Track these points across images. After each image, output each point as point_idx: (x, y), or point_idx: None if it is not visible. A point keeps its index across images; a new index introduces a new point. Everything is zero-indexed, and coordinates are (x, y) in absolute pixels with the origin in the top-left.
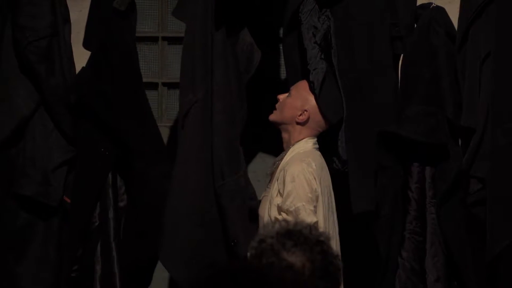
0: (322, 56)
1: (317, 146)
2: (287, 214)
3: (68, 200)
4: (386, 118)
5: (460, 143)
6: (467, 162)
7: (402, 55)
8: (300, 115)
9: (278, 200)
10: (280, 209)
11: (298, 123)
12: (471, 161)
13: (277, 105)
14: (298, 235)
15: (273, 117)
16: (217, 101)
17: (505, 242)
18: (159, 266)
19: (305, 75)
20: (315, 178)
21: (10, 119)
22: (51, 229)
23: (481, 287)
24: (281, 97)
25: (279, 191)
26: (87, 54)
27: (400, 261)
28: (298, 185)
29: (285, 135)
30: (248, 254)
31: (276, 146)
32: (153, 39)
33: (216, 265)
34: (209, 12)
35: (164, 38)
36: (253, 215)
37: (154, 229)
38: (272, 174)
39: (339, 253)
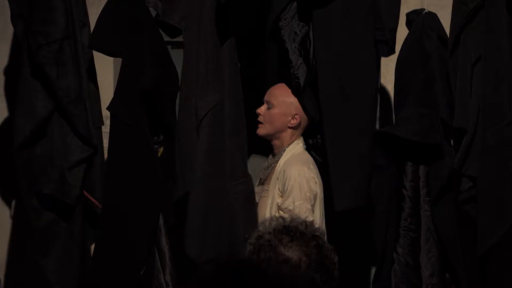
0: (302, 61)
1: (305, 146)
2: (285, 212)
3: (92, 198)
4: (367, 118)
5: (452, 143)
6: (459, 161)
7: (397, 58)
8: (292, 119)
9: (279, 200)
10: (279, 208)
11: (290, 128)
12: (462, 161)
13: (261, 119)
14: (295, 230)
15: (263, 131)
16: (230, 103)
17: (494, 238)
18: None
19: (283, 80)
20: (313, 178)
21: (29, 120)
22: (74, 226)
23: (472, 280)
24: (262, 111)
25: (279, 190)
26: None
27: (395, 256)
28: (297, 185)
29: (276, 142)
30: (247, 249)
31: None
32: None
33: (216, 260)
34: (218, 18)
35: (168, 43)
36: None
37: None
38: (268, 177)
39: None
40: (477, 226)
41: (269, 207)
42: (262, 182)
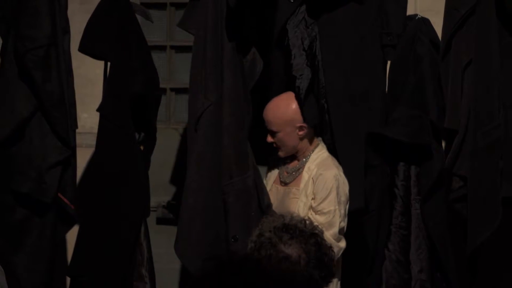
0: (308, 64)
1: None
2: (320, 215)
3: (68, 202)
4: (375, 121)
5: (443, 144)
6: (450, 161)
7: (390, 62)
8: (299, 131)
9: (313, 202)
10: (313, 210)
11: (302, 138)
12: (453, 161)
13: (276, 145)
14: (294, 228)
15: (283, 153)
16: (227, 104)
17: (484, 236)
18: (169, 257)
19: (289, 85)
20: (346, 182)
21: (9, 121)
22: (46, 224)
23: (462, 277)
24: (271, 140)
25: (312, 192)
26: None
27: (386, 253)
28: (335, 189)
29: (299, 152)
30: (248, 247)
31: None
32: (162, 48)
33: (217, 257)
34: (219, 23)
35: (172, 47)
36: (257, 215)
37: None
38: (294, 180)
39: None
40: (467, 224)
41: (299, 208)
42: (285, 184)
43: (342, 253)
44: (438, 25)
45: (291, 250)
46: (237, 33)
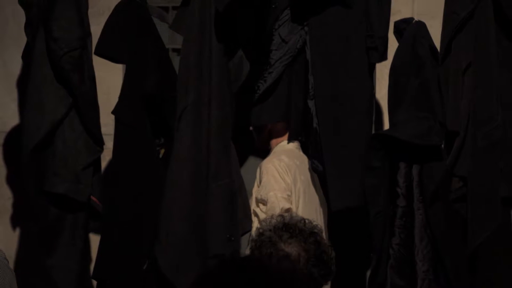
0: (289, 59)
1: (298, 146)
2: (262, 204)
3: (96, 201)
4: (362, 122)
5: (443, 145)
6: (450, 162)
7: (390, 64)
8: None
9: (256, 193)
10: (256, 201)
11: (266, 135)
12: (454, 162)
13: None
14: (294, 227)
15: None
16: (214, 107)
17: (483, 236)
18: None
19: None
20: (286, 171)
21: (42, 124)
22: (79, 223)
23: (461, 277)
24: None
25: (257, 186)
26: (103, 64)
27: (391, 253)
28: (270, 176)
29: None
30: (248, 246)
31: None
32: None
33: (219, 256)
34: (206, 25)
35: (173, 50)
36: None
37: None
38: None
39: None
40: (467, 225)
41: (252, 204)
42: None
43: (348, 254)
44: (434, 29)
45: (291, 248)
46: (224, 36)
